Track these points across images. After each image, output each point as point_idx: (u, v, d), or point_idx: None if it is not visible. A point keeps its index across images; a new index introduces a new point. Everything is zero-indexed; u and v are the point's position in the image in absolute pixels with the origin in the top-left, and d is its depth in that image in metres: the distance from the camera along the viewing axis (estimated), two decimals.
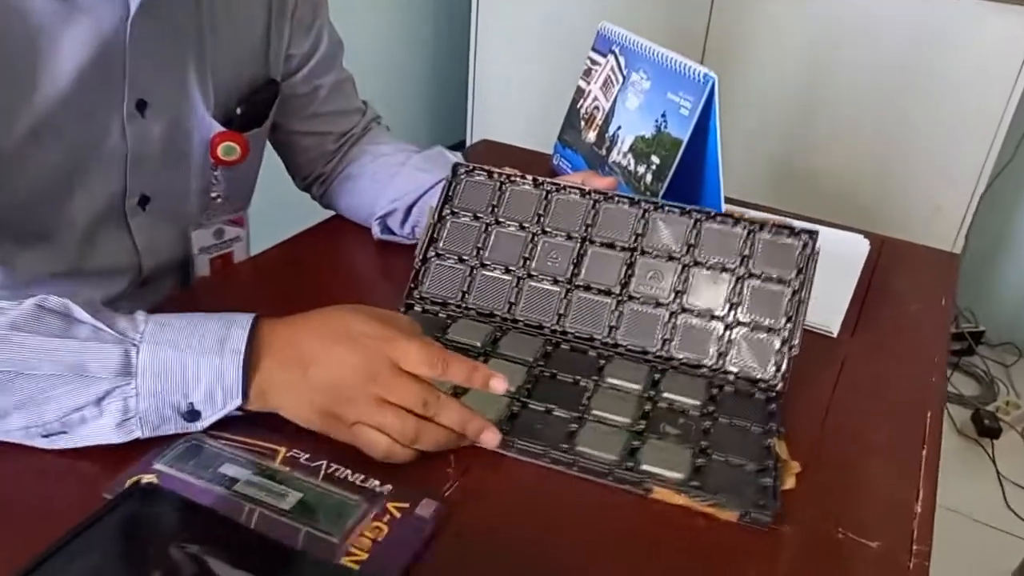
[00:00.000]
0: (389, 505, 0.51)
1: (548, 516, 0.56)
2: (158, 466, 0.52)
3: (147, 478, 0.51)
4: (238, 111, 0.79)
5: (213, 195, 0.80)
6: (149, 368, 0.53)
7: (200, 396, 0.54)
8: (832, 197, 1.83)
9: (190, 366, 0.54)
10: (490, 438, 0.58)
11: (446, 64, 2.33)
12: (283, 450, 0.55)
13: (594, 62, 0.99)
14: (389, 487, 0.53)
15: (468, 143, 2.23)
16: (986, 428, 1.90)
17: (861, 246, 0.95)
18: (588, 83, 1.00)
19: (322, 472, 0.53)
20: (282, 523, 0.49)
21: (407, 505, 0.52)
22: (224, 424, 0.56)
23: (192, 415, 0.54)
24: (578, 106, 1.01)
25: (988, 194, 1.77)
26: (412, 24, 2.22)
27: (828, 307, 0.80)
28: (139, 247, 0.76)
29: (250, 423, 0.56)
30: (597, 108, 0.98)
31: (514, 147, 1.12)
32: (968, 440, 1.92)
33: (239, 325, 0.56)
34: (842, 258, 0.91)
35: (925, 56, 1.71)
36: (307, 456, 0.54)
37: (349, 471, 0.54)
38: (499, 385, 0.57)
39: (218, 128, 0.76)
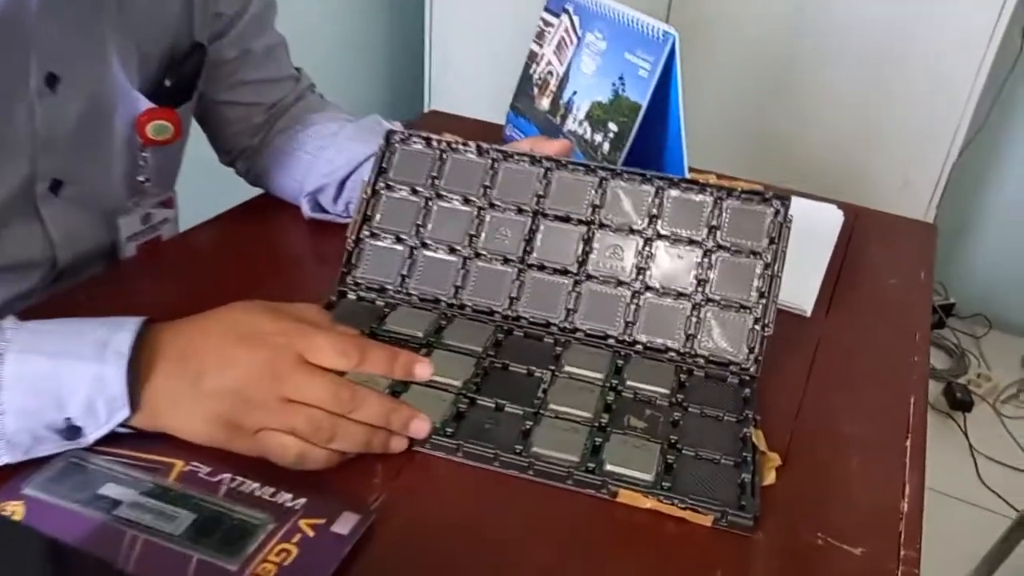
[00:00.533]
0: (301, 522, 0.44)
1: (497, 529, 0.49)
2: (27, 491, 0.44)
3: (11, 506, 0.43)
4: (166, 83, 0.69)
5: (140, 178, 0.71)
6: (15, 381, 0.45)
7: (78, 409, 0.46)
8: (800, 170, 1.78)
9: (65, 374, 0.46)
10: (419, 427, 0.51)
11: (401, 34, 2.22)
12: (179, 464, 0.47)
13: (547, 23, 0.92)
14: (303, 501, 0.45)
15: None
16: (958, 401, 1.87)
17: (835, 217, 0.89)
18: (541, 46, 0.92)
19: (224, 487, 0.46)
20: (169, 551, 0.42)
21: (322, 521, 0.44)
22: (111, 436, 0.48)
23: (72, 431, 0.46)
24: (531, 71, 0.94)
25: (957, 167, 1.73)
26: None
27: (800, 284, 0.74)
28: (53, 238, 0.67)
29: (142, 435, 0.48)
30: (551, 73, 0.90)
31: (465, 118, 1.04)
32: (940, 414, 1.89)
33: (125, 328, 0.48)
34: (815, 231, 0.84)
35: (896, 26, 1.66)
36: (208, 470, 0.47)
37: (257, 485, 0.46)
38: (423, 371, 0.51)
39: (146, 104, 0.68)
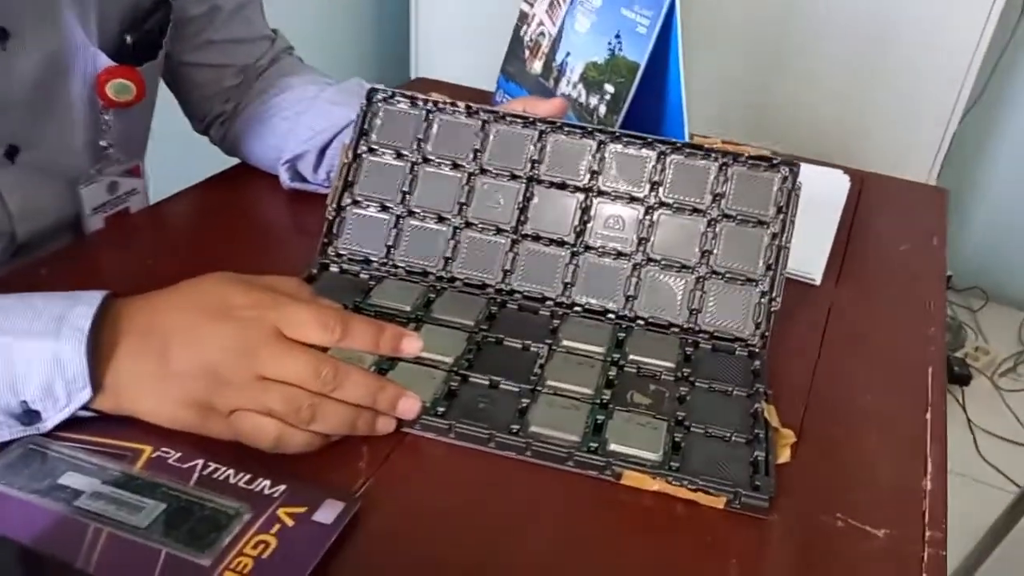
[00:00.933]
0: (281, 512, 0.40)
1: (493, 515, 0.45)
2: None
3: None
4: (127, 39, 0.65)
5: (103, 144, 0.67)
6: None
7: (35, 391, 0.42)
8: (800, 138, 1.73)
9: (18, 353, 0.42)
10: (409, 406, 0.47)
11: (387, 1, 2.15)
12: (148, 450, 0.43)
13: None
14: (282, 488, 0.41)
15: None
16: (956, 375, 1.85)
17: (841, 183, 0.85)
18: (532, 6, 0.88)
19: (196, 474, 0.42)
20: (136, 545, 0.38)
21: (304, 510, 0.40)
22: (72, 420, 0.44)
23: (29, 416, 0.43)
24: (521, 33, 0.89)
25: (957, 133, 1.69)
26: None
27: (809, 251, 0.71)
28: (10, 209, 0.63)
29: (107, 418, 0.44)
30: (543, 34, 0.86)
31: (454, 85, 1.00)
32: None
33: (84, 302, 0.44)
34: (821, 196, 0.80)
35: None
36: (178, 456, 0.43)
37: (231, 471, 0.42)
38: (411, 346, 0.46)
39: (106, 62, 0.63)
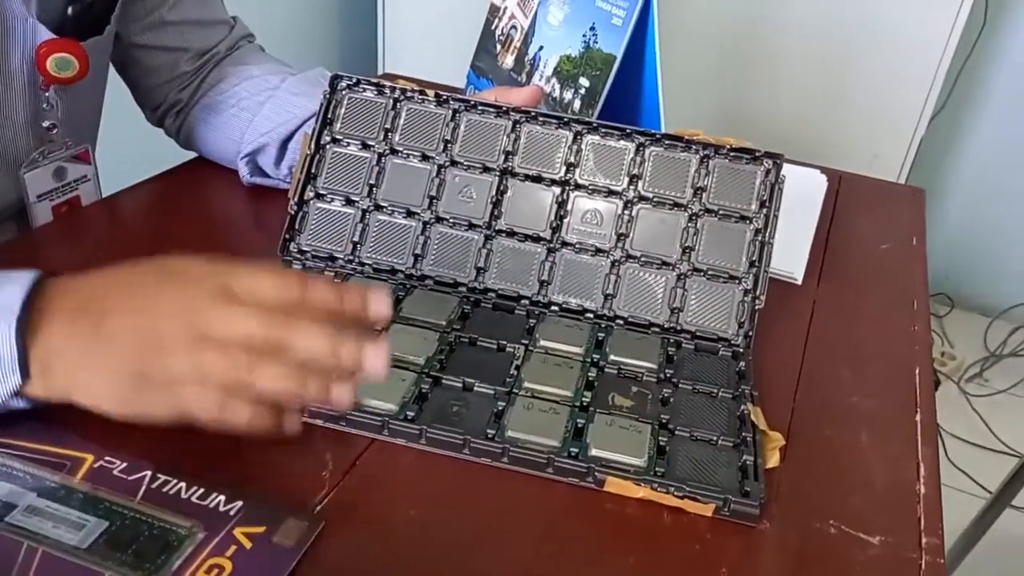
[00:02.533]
0: (237, 531, 0.36)
1: (468, 526, 0.42)
2: None
3: None
4: (69, 11, 0.61)
5: (46, 124, 0.63)
6: None
7: None
8: (770, 143, 1.73)
9: None
10: (375, 359, 0.40)
11: None
12: (90, 459, 0.39)
13: None
14: (239, 504, 0.38)
15: None
16: None
17: (819, 182, 0.84)
18: None
19: (143, 487, 0.38)
20: (75, 567, 0.34)
21: (262, 530, 0.37)
22: (4, 426, 0.40)
23: None
24: (492, 27, 0.87)
25: (922, 143, 1.71)
26: None
27: (789, 250, 0.69)
28: None
29: (44, 421, 0.40)
30: (514, 28, 0.83)
31: (422, 80, 0.97)
32: None
33: (15, 281, 0.40)
34: (800, 196, 0.79)
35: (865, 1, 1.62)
36: (123, 466, 0.39)
37: (183, 484, 0.38)
38: (380, 307, 0.41)
39: (45, 35, 0.59)
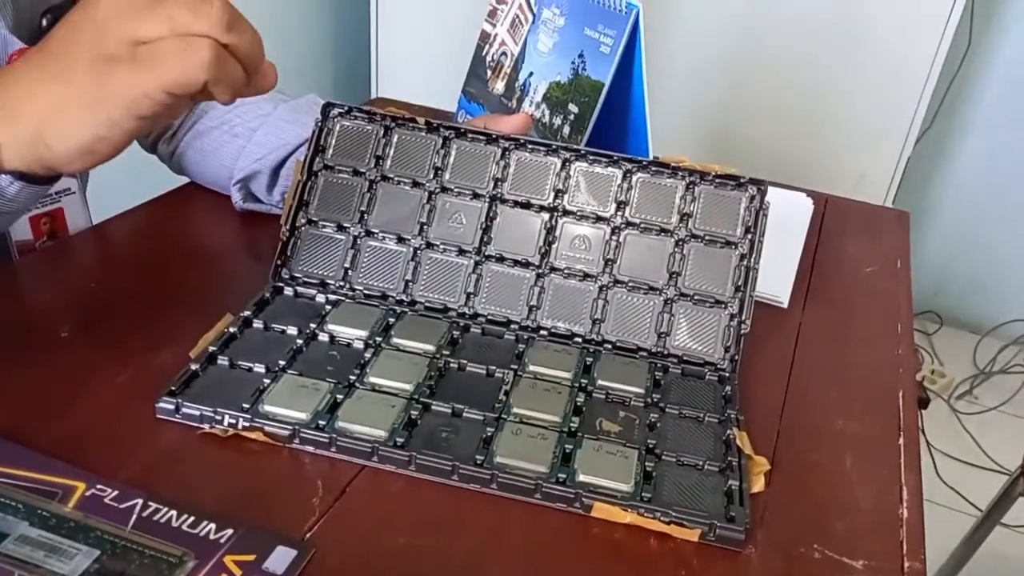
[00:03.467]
0: (228, 559, 0.37)
1: (457, 551, 0.42)
2: None
3: None
4: (43, 23, 0.61)
5: None
6: None
7: None
8: (756, 166, 1.75)
9: None
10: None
11: (344, 15, 2.12)
12: (81, 487, 0.39)
13: (499, 1, 0.86)
14: (229, 532, 0.38)
15: None
16: None
17: (805, 206, 0.85)
18: (494, 26, 0.87)
19: (135, 515, 0.38)
20: None
21: (252, 558, 0.37)
22: None
23: None
24: (483, 53, 0.88)
25: (908, 164, 1.73)
26: None
27: (775, 274, 0.70)
28: None
29: (36, 449, 0.41)
30: (505, 54, 0.84)
31: (413, 105, 0.98)
32: None
33: None
34: (785, 219, 0.80)
35: (850, 22, 1.65)
36: (114, 494, 0.39)
37: (174, 513, 0.39)
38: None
39: (17, 44, 0.59)
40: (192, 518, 0.39)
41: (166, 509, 0.39)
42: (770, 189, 0.84)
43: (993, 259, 2.12)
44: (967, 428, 1.86)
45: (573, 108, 0.74)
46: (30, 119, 0.43)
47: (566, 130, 0.75)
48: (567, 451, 0.48)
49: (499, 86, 0.85)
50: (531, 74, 0.80)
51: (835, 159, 1.74)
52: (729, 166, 0.61)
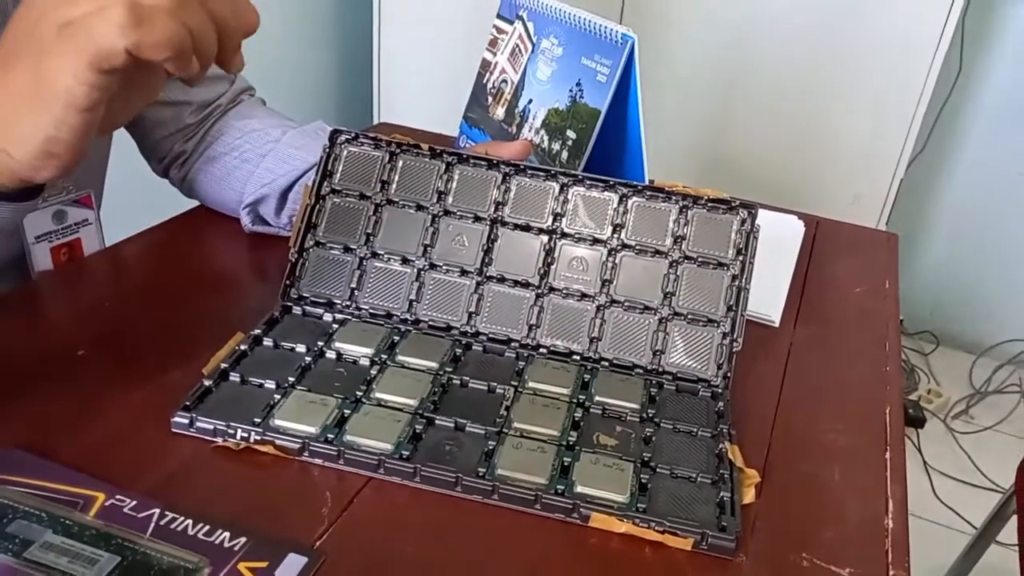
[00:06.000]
0: (241, 566, 0.39)
1: (460, 560, 0.44)
2: None
3: None
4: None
5: None
6: None
7: None
8: (753, 186, 1.78)
9: None
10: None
11: (347, 43, 2.16)
12: (101, 497, 0.41)
13: (500, 30, 0.89)
14: (243, 540, 0.40)
15: None
16: (910, 418, 1.89)
17: (796, 228, 0.87)
18: (494, 55, 0.89)
19: (152, 524, 0.40)
20: None
21: (265, 564, 0.39)
22: (20, 467, 0.42)
23: None
24: (484, 81, 0.91)
25: (902, 182, 1.75)
26: (309, 2, 2.05)
27: (767, 294, 0.72)
28: None
29: (57, 463, 0.43)
30: (505, 81, 0.87)
31: (417, 129, 1.01)
32: None
33: None
34: (777, 241, 0.83)
35: (844, 40, 1.68)
36: (133, 504, 0.41)
37: (190, 522, 0.41)
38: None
39: None
40: (207, 527, 0.41)
41: (182, 518, 0.41)
42: (762, 212, 0.87)
43: (989, 279, 2.14)
44: (963, 447, 1.88)
45: (571, 134, 0.77)
46: None
47: (564, 155, 0.78)
48: (565, 464, 0.50)
49: (500, 112, 0.88)
50: (531, 101, 0.83)
51: (830, 180, 1.77)
52: (720, 191, 0.63)
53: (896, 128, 1.69)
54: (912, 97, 1.66)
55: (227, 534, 0.41)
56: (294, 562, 0.40)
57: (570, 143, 0.77)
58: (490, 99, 0.90)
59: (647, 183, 0.74)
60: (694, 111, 1.84)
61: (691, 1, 1.76)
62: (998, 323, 2.15)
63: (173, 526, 0.41)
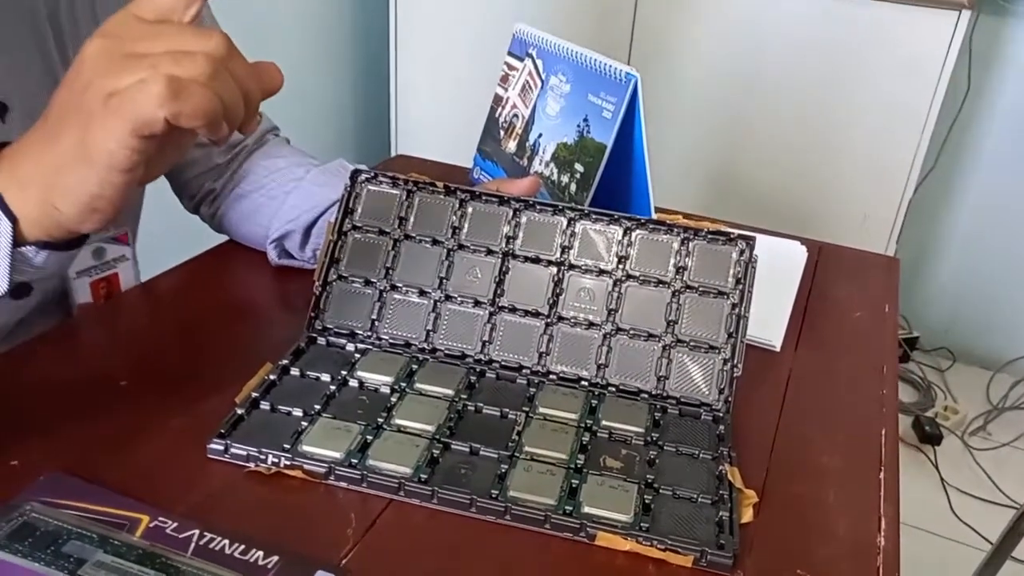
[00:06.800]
0: None
1: (476, 575, 0.47)
2: None
3: None
4: None
5: None
6: None
7: None
8: (762, 208, 1.81)
9: None
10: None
11: (366, 79, 2.23)
12: (146, 519, 0.45)
13: (511, 67, 0.93)
14: (275, 559, 0.44)
15: None
16: (927, 435, 1.89)
17: (799, 253, 0.90)
18: (506, 90, 0.94)
19: (193, 544, 0.44)
20: None
21: None
22: (72, 491, 0.46)
23: None
24: (496, 115, 0.95)
25: (915, 200, 1.77)
26: (330, 40, 2.13)
27: (769, 319, 0.75)
28: None
29: (105, 487, 0.47)
30: (516, 116, 0.91)
31: (432, 161, 1.05)
32: (910, 448, 1.91)
33: None
34: (780, 267, 0.86)
35: (848, 63, 1.71)
36: (174, 525, 0.45)
37: (227, 542, 0.45)
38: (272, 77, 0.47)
39: None
40: (242, 546, 0.45)
41: (219, 538, 0.45)
42: (765, 238, 0.90)
43: (1005, 294, 2.15)
44: (980, 464, 1.88)
45: (579, 167, 0.81)
46: (38, 185, 0.46)
47: (573, 187, 0.81)
48: (573, 486, 0.53)
49: (511, 145, 0.92)
50: (540, 135, 0.87)
51: (839, 201, 1.80)
52: (720, 223, 0.66)
53: (904, 147, 1.71)
54: (919, 116, 1.68)
55: (260, 553, 0.44)
56: None
57: (578, 175, 0.81)
58: (502, 133, 0.94)
59: (653, 213, 0.78)
60: (704, 136, 1.88)
61: (700, 21, 1.80)
62: (1016, 339, 2.15)
63: (211, 546, 0.44)
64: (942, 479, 1.81)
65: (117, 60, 0.43)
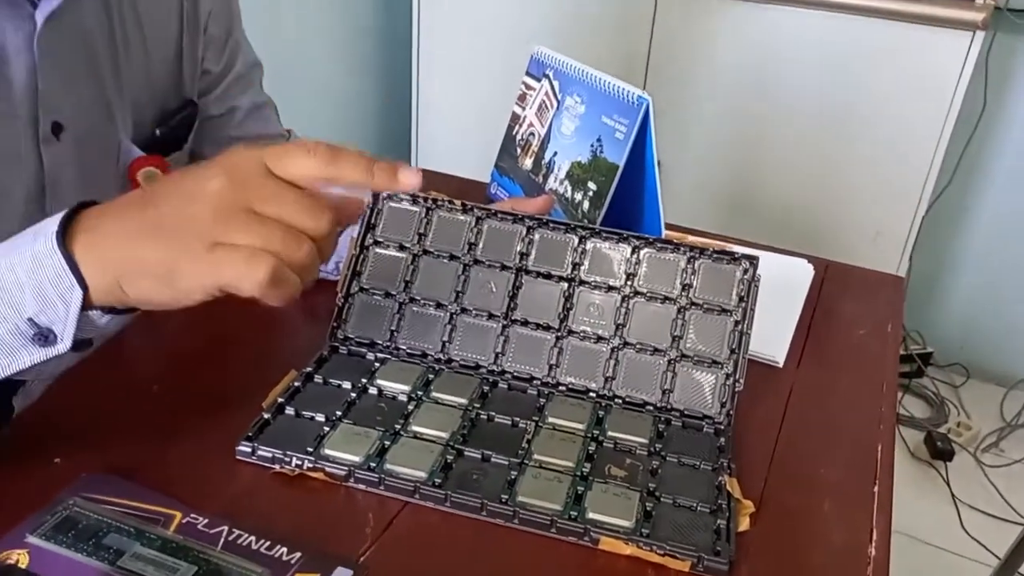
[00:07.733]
0: None
1: (485, 575, 0.50)
2: (31, 539, 0.46)
3: (16, 554, 0.44)
4: (156, 132, 0.73)
5: None
6: None
7: (32, 302, 0.45)
8: (774, 224, 1.83)
9: (5, 271, 0.45)
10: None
11: (389, 97, 2.29)
12: (178, 515, 0.49)
13: (528, 87, 0.96)
14: (298, 555, 0.47)
15: None
16: (939, 450, 1.90)
17: (805, 271, 0.92)
18: (523, 108, 0.97)
19: (222, 539, 0.48)
20: None
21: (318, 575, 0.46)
22: (112, 488, 0.50)
23: (44, 335, 0.46)
24: (513, 132, 0.98)
25: (929, 216, 1.78)
26: (353, 54, 2.18)
27: (773, 335, 0.78)
28: None
29: (141, 485, 0.50)
30: (533, 134, 0.95)
31: (451, 176, 1.08)
32: (921, 463, 1.91)
33: (60, 212, 0.47)
34: (786, 284, 0.88)
35: (862, 80, 1.73)
36: (205, 522, 0.49)
37: (253, 538, 0.48)
38: (409, 179, 0.48)
39: (137, 152, 0.71)
40: (268, 542, 0.48)
41: (247, 535, 0.48)
42: (772, 255, 0.92)
43: (1020, 312, 2.14)
44: (993, 481, 1.88)
45: (592, 185, 0.84)
46: (115, 270, 0.46)
47: (586, 205, 0.85)
48: (579, 492, 0.56)
49: (527, 163, 0.95)
50: (555, 153, 0.90)
51: (851, 217, 1.81)
52: (725, 243, 0.69)
53: (918, 165, 1.72)
54: (933, 134, 1.70)
55: (284, 549, 0.48)
56: (342, 574, 0.46)
57: (591, 193, 0.84)
58: (519, 150, 0.97)
59: (663, 230, 0.80)
60: (719, 152, 1.90)
61: (715, 38, 1.83)
62: None
63: (239, 541, 0.48)
64: (953, 495, 1.82)
65: (235, 212, 0.44)
